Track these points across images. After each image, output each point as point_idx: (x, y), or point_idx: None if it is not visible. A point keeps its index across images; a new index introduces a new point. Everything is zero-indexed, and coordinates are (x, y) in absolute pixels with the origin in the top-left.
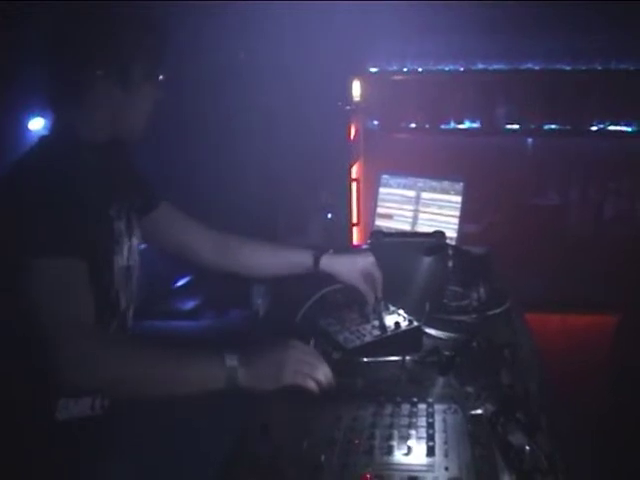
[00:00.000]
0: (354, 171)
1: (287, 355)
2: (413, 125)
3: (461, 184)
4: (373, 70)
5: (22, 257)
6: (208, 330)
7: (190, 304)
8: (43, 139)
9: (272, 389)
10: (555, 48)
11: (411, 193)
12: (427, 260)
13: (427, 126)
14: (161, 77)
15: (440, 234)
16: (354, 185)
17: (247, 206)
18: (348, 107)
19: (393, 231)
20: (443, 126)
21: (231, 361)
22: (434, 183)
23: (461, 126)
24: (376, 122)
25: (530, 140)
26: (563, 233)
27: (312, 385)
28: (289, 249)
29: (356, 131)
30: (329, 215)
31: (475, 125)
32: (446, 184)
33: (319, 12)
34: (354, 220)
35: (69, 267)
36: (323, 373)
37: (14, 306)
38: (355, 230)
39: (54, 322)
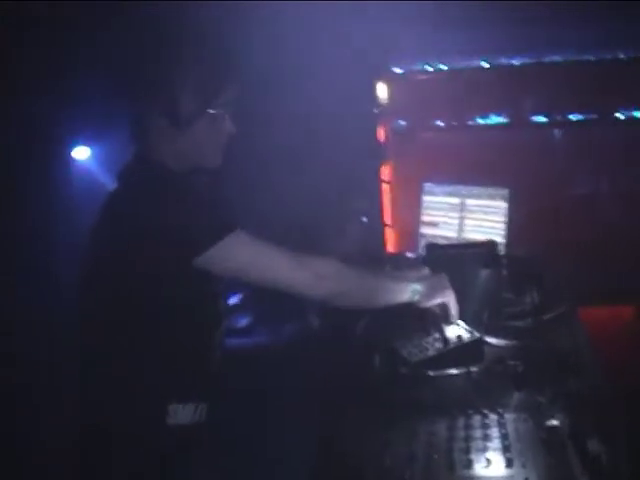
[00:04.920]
0: (385, 173)
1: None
2: (440, 123)
3: (507, 190)
4: (397, 71)
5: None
6: (263, 347)
7: (244, 321)
8: (133, 170)
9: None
10: (577, 39)
11: (455, 200)
12: (485, 272)
13: (454, 123)
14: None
15: (493, 243)
16: (386, 187)
17: (283, 213)
18: (376, 110)
19: (442, 240)
20: (470, 122)
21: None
22: (478, 190)
23: (488, 121)
24: (403, 122)
25: (557, 131)
26: (597, 224)
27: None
28: (394, 281)
29: (385, 133)
30: (364, 219)
31: (502, 119)
32: (491, 190)
33: (340, 17)
34: (387, 222)
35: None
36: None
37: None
38: (389, 232)
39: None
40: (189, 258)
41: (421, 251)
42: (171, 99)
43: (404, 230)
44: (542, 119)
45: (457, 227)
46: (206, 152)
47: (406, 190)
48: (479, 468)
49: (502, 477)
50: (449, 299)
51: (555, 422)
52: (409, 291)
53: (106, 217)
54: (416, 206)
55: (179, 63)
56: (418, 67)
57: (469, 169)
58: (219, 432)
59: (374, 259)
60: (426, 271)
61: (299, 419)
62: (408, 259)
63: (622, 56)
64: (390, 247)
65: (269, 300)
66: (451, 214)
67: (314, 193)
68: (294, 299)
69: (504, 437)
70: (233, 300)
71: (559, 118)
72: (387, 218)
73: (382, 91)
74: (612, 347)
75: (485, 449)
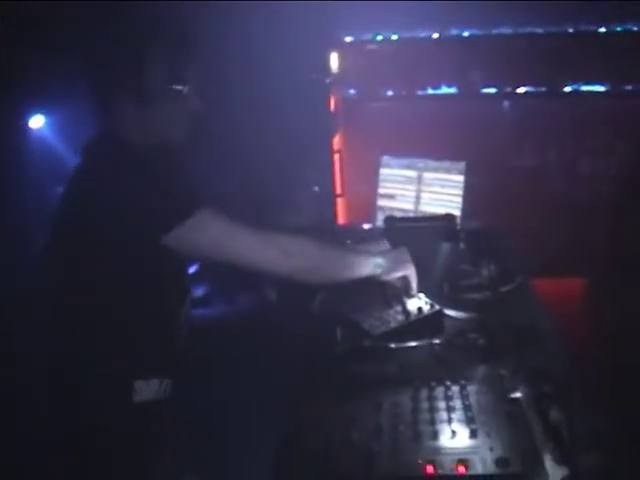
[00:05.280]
0: (336, 142)
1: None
2: (390, 93)
3: (463, 163)
4: (348, 40)
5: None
6: (219, 317)
7: (200, 292)
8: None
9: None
10: (526, 12)
11: (412, 173)
12: (445, 245)
13: (404, 93)
14: (182, 88)
15: (451, 217)
16: (336, 156)
17: (234, 184)
18: (327, 79)
19: (399, 212)
20: (420, 92)
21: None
22: (436, 163)
23: (438, 92)
24: (353, 91)
25: (506, 103)
26: (540, 196)
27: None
28: (356, 255)
29: (335, 102)
30: (315, 188)
31: (451, 90)
32: (447, 164)
33: None
34: (338, 192)
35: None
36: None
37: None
38: (340, 202)
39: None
40: (156, 236)
41: (379, 223)
42: (136, 75)
43: (355, 200)
44: (492, 90)
45: (414, 200)
46: (171, 128)
47: (357, 160)
48: (445, 439)
49: (468, 447)
50: (410, 272)
51: (517, 394)
52: (372, 265)
53: (73, 193)
54: (368, 176)
55: (144, 39)
56: (369, 36)
57: (419, 138)
58: (182, 407)
59: (334, 231)
60: (387, 244)
61: (262, 394)
62: (367, 232)
63: (570, 30)
64: (341, 217)
65: (225, 271)
66: (408, 187)
67: (266, 164)
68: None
69: (467, 408)
70: (190, 269)
71: (508, 90)
72: (338, 188)
73: (333, 60)
74: (564, 319)
75: (450, 420)
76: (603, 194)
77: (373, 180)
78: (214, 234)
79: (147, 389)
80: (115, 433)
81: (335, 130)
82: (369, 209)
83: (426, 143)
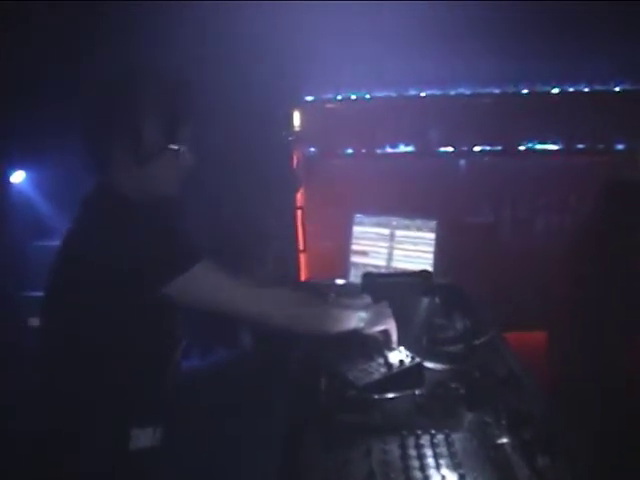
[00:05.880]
0: (298, 199)
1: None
2: (350, 151)
3: (434, 222)
4: (309, 99)
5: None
6: (195, 371)
7: None
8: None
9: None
10: (483, 73)
11: (385, 231)
12: (423, 300)
13: (363, 151)
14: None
15: (427, 272)
16: (299, 212)
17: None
18: (290, 137)
19: (372, 269)
20: (379, 150)
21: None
22: (408, 221)
23: (396, 150)
24: (313, 149)
25: (463, 161)
26: (496, 251)
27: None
28: (342, 309)
29: (298, 160)
30: (278, 244)
31: (409, 149)
32: (419, 222)
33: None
34: (300, 247)
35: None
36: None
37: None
38: (303, 257)
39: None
40: (156, 286)
41: (353, 279)
42: (133, 135)
43: (317, 256)
44: (449, 149)
45: (386, 256)
46: (166, 184)
47: (318, 216)
48: None
49: None
50: (391, 326)
51: (502, 440)
52: (356, 318)
53: (70, 248)
54: (330, 232)
55: (142, 100)
56: (329, 96)
57: (379, 195)
58: (173, 456)
59: (314, 286)
60: (368, 299)
61: (248, 444)
62: (342, 287)
63: (525, 90)
64: (304, 272)
65: (200, 321)
66: (381, 244)
67: (232, 220)
68: (228, 323)
69: (453, 455)
70: None
71: (465, 149)
72: (301, 244)
73: (296, 118)
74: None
75: (438, 466)
76: (559, 249)
77: (336, 236)
78: (212, 286)
79: (143, 436)
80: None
81: (298, 187)
82: (331, 265)
83: (387, 200)
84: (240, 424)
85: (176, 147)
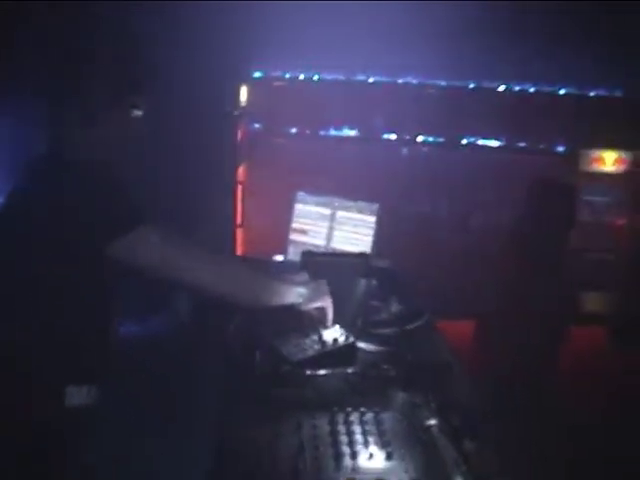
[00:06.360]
0: (240, 174)
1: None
2: (294, 130)
3: (377, 205)
4: (257, 75)
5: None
6: (128, 339)
7: None
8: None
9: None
10: (432, 64)
11: (326, 211)
12: (361, 281)
13: (307, 132)
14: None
15: (366, 254)
16: (239, 187)
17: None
18: (235, 112)
19: (311, 248)
20: (323, 132)
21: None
22: (350, 203)
23: (339, 133)
24: (258, 126)
25: (405, 150)
26: (431, 240)
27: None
28: (280, 282)
29: (242, 135)
30: (216, 218)
31: (353, 133)
32: (362, 204)
33: (205, 22)
34: (239, 222)
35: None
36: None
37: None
38: (240, 232)
39: None
40: (96, 248)
41: (291, 257)
42: (85, 96)
43: (255, 231)
44: (392, 137)
45: (326, 236)
46: (115, 148)
47: (259, 192)
48: (363, 460)
49: (385, 468)
50: (327, 304)
51: (431, 422)
52: (294, 293)
53: (14, 206)
54: (270, 209)
55: (94, 61)
56: (278, 74)
57: (319, 176)
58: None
59: (252, 261)
60: (306, 276)
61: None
62: (281, 264)
63: (472, 85)
64: (240, 248)
65: (137, 290)
66: (321, 223)
67: (172, 194)
68: (164, 291)
69: (382, 433)
70: None
71: (408, 138)
72: (238, 218)
73: (242, 94)
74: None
75: (366, 443)
76: (491, 242)
77: (276, 213)
78: (153, 249)
79: (78, 394)
80: (44, 434)
81: (240, 162)
82: (270, 242)
83: (329, 181)
84: (173, 393)
85: (129, 111)
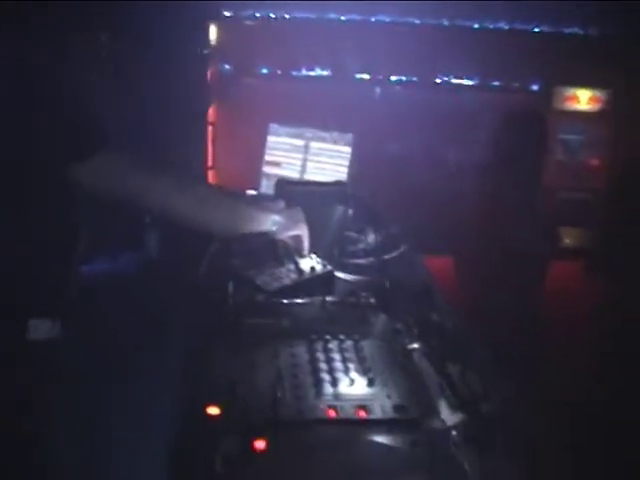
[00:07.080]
0: (210, 115)
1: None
2: (265, 71)
3: (350, 135)
4: (227, 14)
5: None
6: (98, 276)
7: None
8: None
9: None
10: (406, 1)
11: (300, 142)
12: (338, 209)
13: (279, 72)
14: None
15: (342, 183)
16: (210, 128)
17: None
18: (206, 51)
19: (288, 178)
20: (295, 72)
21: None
22: (324, 133)
23: (312, 73)
24: (228, 66)
25: (378, 90)
26: (408, 181)
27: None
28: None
29: (212, 75)
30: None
31: (326, 73)
32: (335, 135)
33: None
34: (209, 164)
35: None
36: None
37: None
38: (211, 174)
39: None
40: (62, 169)
41: (264, 190)
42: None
43: (227, 173)
44: (365, 76)
45: (300, 168)
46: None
47: (231, 134)
48: (344, 386)
49: (366, 394)
50: (303, 232)
51: (413, 346)
52: (269, 221)
53: None
54: (242, 148)
55: None
56: (248, 13)
57: (290, 116)
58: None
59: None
60: (282, 204)
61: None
62: (255, 198)
63: (446, 23)
64: None
65: (106, 226)
66: (294, 155)
67: (140, 137)
68: (133, 227)
69: (363, 360)
70: None
71: (381, 77)
72: (209, 160)
73: (212, 33)
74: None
75: (346, 370)
76: (469, 180)
77: (248, 153)
78: (121, 172)
79: (41, 327)
80: (7, 368)
81: (210, 102)
82: (242, 179)
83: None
84: (144, 328)
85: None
